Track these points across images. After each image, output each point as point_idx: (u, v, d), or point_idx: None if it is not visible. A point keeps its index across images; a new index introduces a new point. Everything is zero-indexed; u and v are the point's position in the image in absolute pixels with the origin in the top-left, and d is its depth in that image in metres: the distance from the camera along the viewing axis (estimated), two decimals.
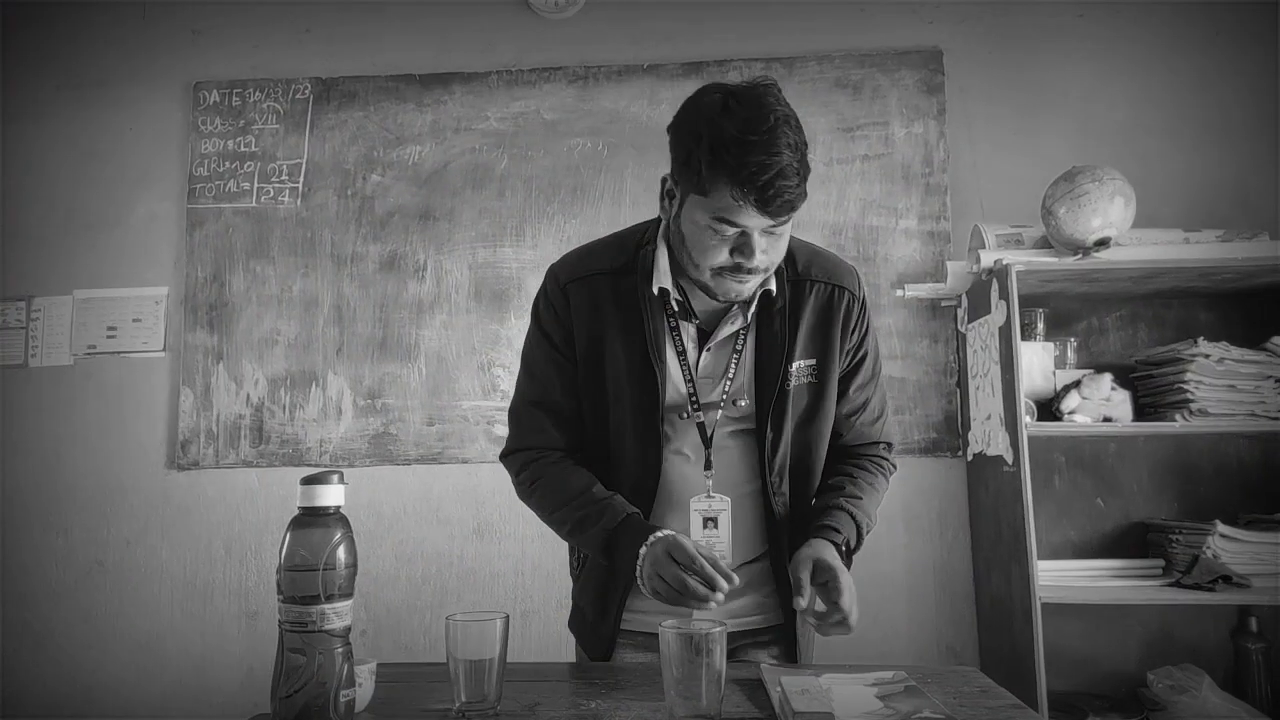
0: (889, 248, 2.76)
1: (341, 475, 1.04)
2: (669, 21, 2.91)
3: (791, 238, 1.38)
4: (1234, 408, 2.29)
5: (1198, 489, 2.60)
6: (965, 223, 2.71)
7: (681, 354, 1.38)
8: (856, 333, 1.44)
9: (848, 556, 1.37)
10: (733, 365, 1.38)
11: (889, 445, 1.54)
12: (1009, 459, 2.31)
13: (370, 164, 2.91)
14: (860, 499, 1.42)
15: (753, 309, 1.37)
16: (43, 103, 3.03)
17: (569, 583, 1.65)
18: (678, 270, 1.37)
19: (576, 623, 1.53)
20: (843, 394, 1.46)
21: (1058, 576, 2.35)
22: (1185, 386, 2.29)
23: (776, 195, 1.19)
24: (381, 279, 2.86)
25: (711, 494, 1.37)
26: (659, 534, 1.27)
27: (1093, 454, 2.63)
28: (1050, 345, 2.48)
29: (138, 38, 3.04)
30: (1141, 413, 2.43)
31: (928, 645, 2.65)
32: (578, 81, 2.89)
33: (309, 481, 1.02)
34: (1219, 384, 2.29)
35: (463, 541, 2.77)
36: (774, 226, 1.25)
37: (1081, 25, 2.83)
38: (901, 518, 2.69)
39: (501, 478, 1.52)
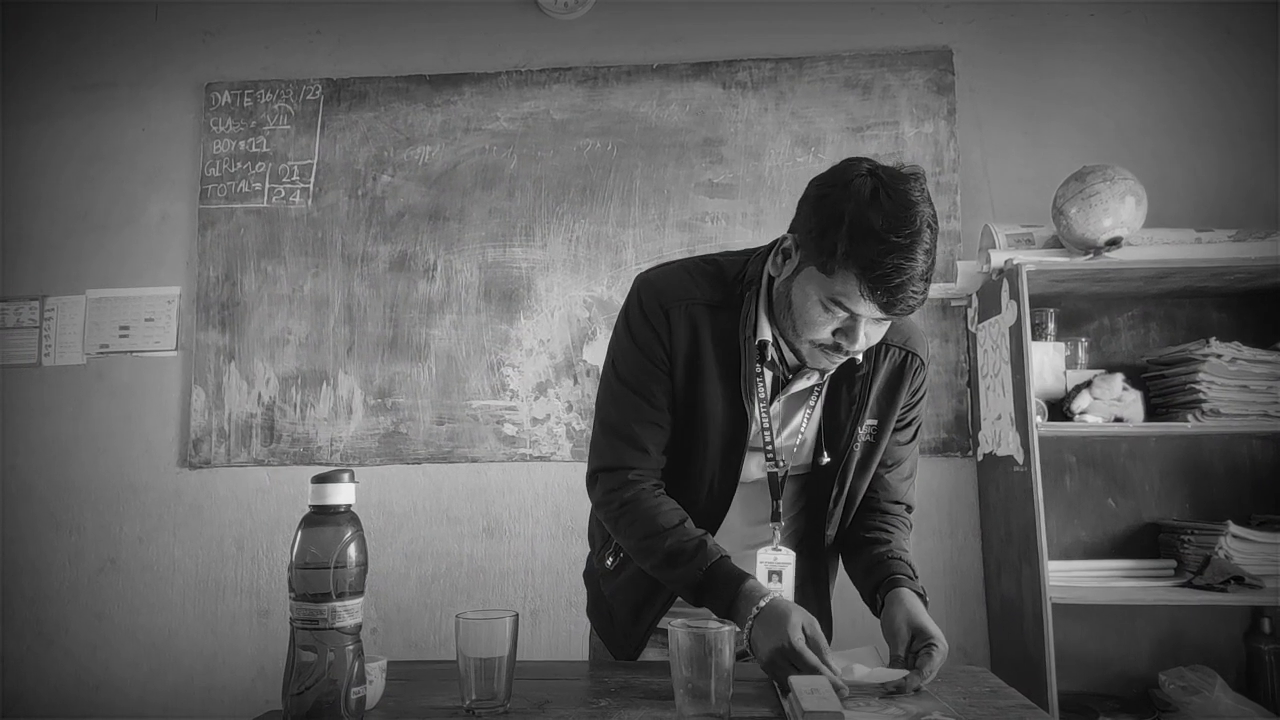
0: None
1: (352, 474, 1.05)
2: (678, 22, 2.91)
3: None
4: (1246, 408, 2.28)
5: (1210, 490, 2.59)
6: (976, 222, 2.71)
7: (762, 400, 1.36)
8: (914, 397, 1.45)
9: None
10: (805, 420, 1.39)
11: (910, 508, 1.53)
12: (1020, 459, 2.30)
13: (380, 164, 2.92)
14: (907, 552, 1.45)
15: (831, 370, 1.37)
16: (55, 104, 3.05)
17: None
18: (772, 320, 1.36)
19: (600, 619, 1.54)
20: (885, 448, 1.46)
21: (1069, 577, 2.35)
22: (1197, 387, 2.28)
23: (902, 300, 1.18)
24: (392, 279, 2.87)
25: (778, 547, 1.37)
26: (764, 601, 1.23)
27: (1104, 454, 2.62)
28: (1061, 345, 2.47)
29: (150, 39, 3.06)
30: (1153, 413, 2.42)
31: None
32: (587, 82, 2.89)
33: (320, 480, 1.02)
34: (1231, 384, 2.28)
35: (472, 540, 2.77)
36: (883, 319, 1.24)
37: (1092, 25, 2.81)
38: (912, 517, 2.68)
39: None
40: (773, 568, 1.36)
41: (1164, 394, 2.44)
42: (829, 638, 1.45)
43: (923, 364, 1.44)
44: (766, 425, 1.36)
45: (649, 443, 1.37)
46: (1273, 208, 2.67)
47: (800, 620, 1.20)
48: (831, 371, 1.35)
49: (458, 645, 1.12)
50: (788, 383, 1.37)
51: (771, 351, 1.35)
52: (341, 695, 0.99)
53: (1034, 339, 2.37)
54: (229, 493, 2.84)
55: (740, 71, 2.85)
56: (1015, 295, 2.31)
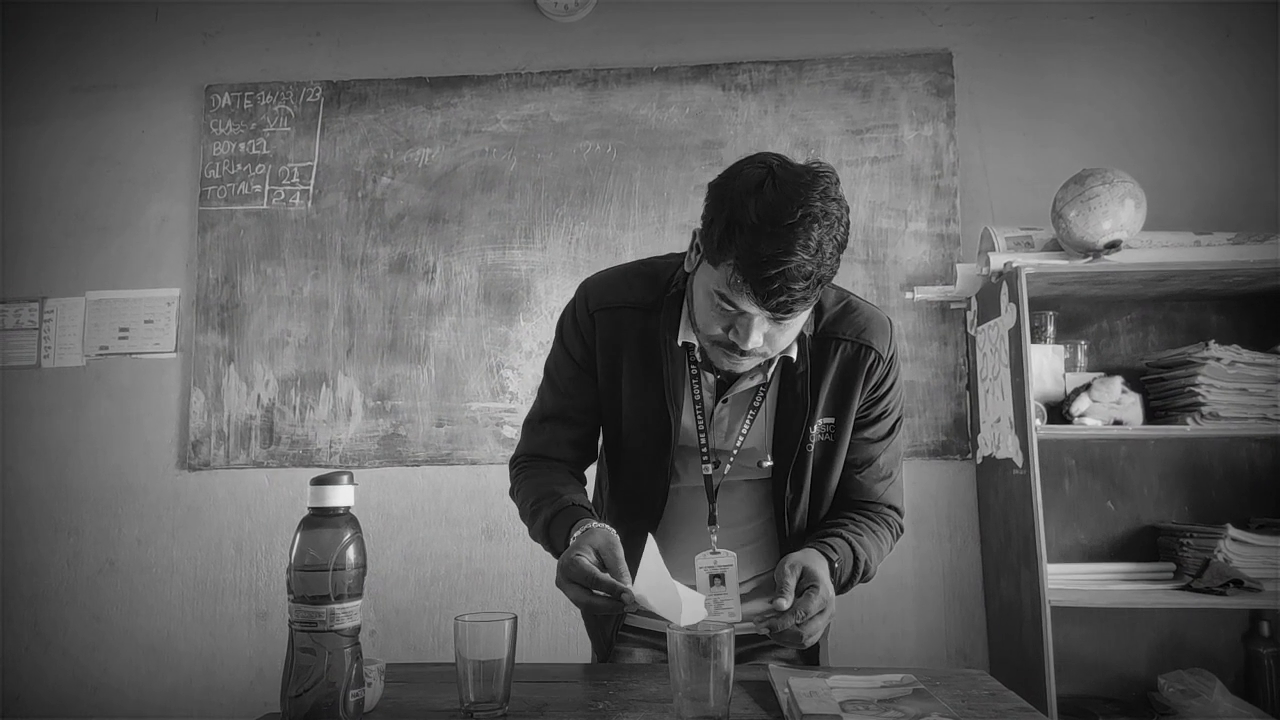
0: (898, 250, 2.75)
1: (351, 476, 1.05)
2: (678, 24, 2.91)
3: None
4: (1245, 411, 2.28)
5: (1209, 492, 2.59)
6: (975, 225, 2.71)
7: (698, 403, 1.35)
8: (877, 391, 1.38)
9: (835, 580, 1.30)
10: (747, 422, 1.36)
11: (897, 510, 1.46)
12: (1019, 462, 2.30)
13: (380, 166, 2.92)
14: (860, 536, 1.36)
15: (774, 368, 1.34)
16: (56, 105, 3.05)
17: None
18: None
19: (587, 620, 1.55)
20: (851, 447, 1.40)
21: (1067, 580, 2.34)
22: (1196, 390, 2.28)
23: (778, 294, 1.12)
24: (391, 281, 2.87)
25: (717, 550, 1.34)
26: (580, 530, 1.25)
27: (1103, 457, 2.62)
28: (1060, 348, 2.47)
29: (150, 41, 3.06)
30: (1152, 416, 2.42)
31: (936, 648, 2.64)
32: (587, 84, 2.90)
33: (319, 482, 1.02)
34: (1230, 387, 2.28)
35: (471, 542, 2.77)
36: (778, 318, 1.18)
37: (1091, 27, 2.82)
38: (910, 520, 2.66)
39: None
40: (713, 571, 1.33)
41: (1163, 397, 2.44)
42: (820, 648, 1.44)
43: (880, 358, 1.36)
44: (702, 428, 1.35)
45: (563, 439, 1.43)
46: (1273, 210, 2.67)
47: (600, 543, 1.20)
48: (737, 372, 1.28)
49: (456, 648, 1.12)
50: (732, 384, 1.34)
51: (697, 350, 1.32)
52: (340, 697, 0.99)
53: (1033, 342, 2.37)
54: (228, 495, 2.84)
55: (740, 74, 2.86)
56: (1014, 298, 2.31)
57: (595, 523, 1.27)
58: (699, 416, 1.35)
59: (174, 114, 3.02)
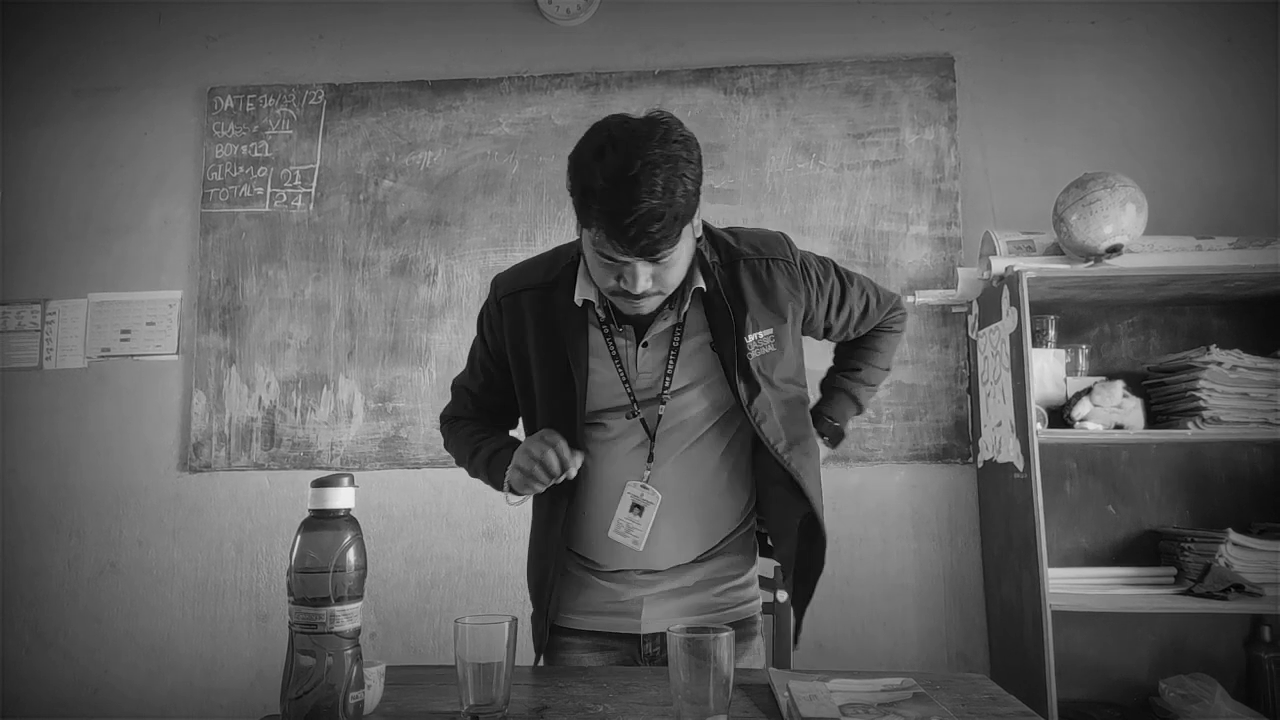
0: (900, 253, 2.75)
1: (352, 478, 1.05)
2: (680, 28, 2.92)
3: (711, 227, 1.48)
4: (1247, 415, 2.28)
5: (1210, 497, 2.58)
6: (976, 229, 2.71)
7: (616, 357, 1.43)
8: (816, 287, 1.51)
9: (836, 433, 1.67)
10: (671, 360, 1.43)
11: (895, 304, 1.69)
12: (1020, 466, 2.30)
13: (382, 169, 2.93)
14: (858, 369, 1.69)
15: (686, 306, 1.42)
16: (59, 108, 3.06)
17: None
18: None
19: (532, 619, 1.57)
20: (828, 327, 1.60)
21: (1069, 584, 2.34)
22: (1198, 394, 2.28)
23: (639, 238, 1.22)
24: (393, 283, 2.88)
25: (647, 485, 1.43)
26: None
27: (1104, 461, 2.62)
28: (1062, 352, 2.47)
29: (153, 44, 3.07)
30: (1153, 420, 2.42)
31: (937, 652, 2.64)
32: (589, 88, 2.90)
33: (319, 484, 1.02)
34: (1232, 392, 2.28)
35: (472, 545, 2.77)
36: (655, 259, 1.27)
37: (1093, 32, 2.82)
38: (912, 524, 2.68)
39: None
40: (637, 501, 1.43)
41: (1164, 401, 2.44)
42: (816, 569, 1.50)
43: (789, 261, 1.48)
44: (625, 377, 1.43)
45: (472, 406, 1.61)
46: (1274, 215, 2.67)
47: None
48: (644, 313, 1.37)
49: (456, 650, 1.12)
50: (648, 328, 1.42)
51: (598, 305, 1.42)
52: (340, 700, 0.99)
53: (1034, 346, 2.37)
54: (229, 496, 2.85)
55: (742, 78, 2.86)
56: (1016, 302, 2.32)
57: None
58: (619, 369, 1.43)
59: (176, 116, 3.03)
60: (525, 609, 2.67)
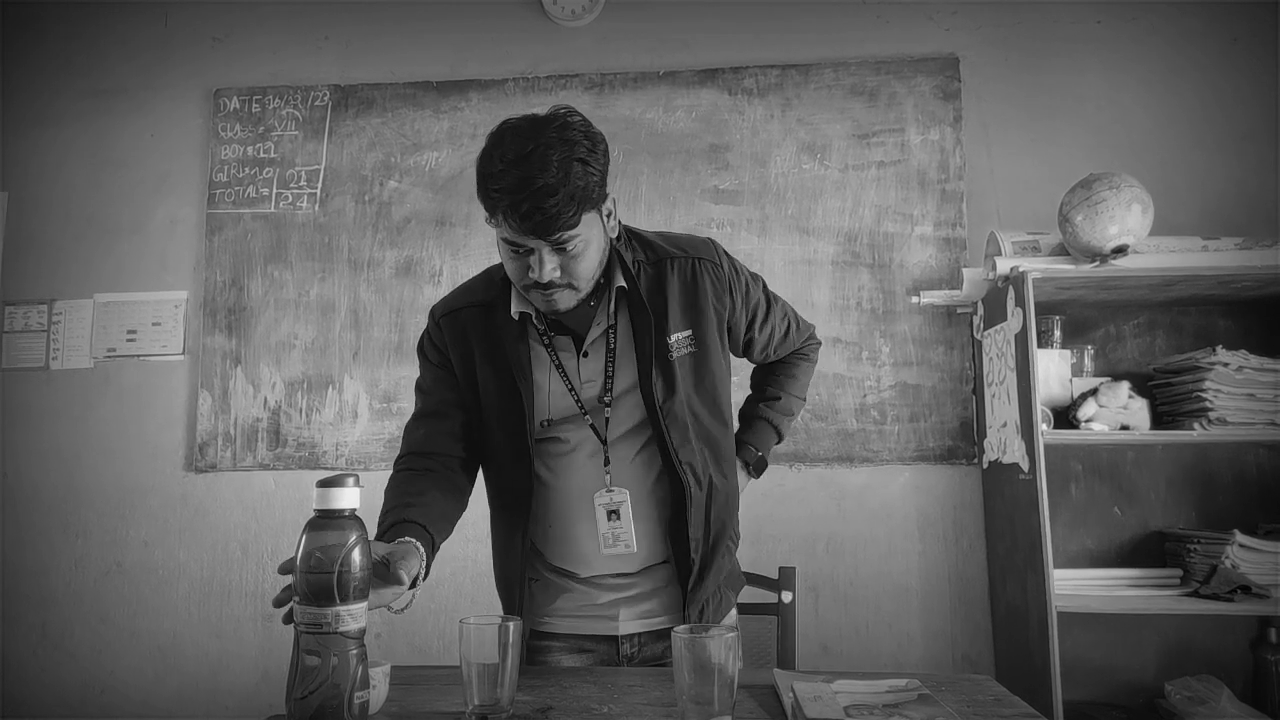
0: (904, 254, 2.75)
1: (357, 478, 1.05)
2: (685, 29, 2.92)
3: (636, 230, 1.50)
4: (1253, 416, 2.27)
5: (1216, 498, 2.58)
6: (981, 229, 2.71)
7: (559, 367, 1.43)
8: (738, 293, 1.52)
9: (760, 462, 1.71)
10: (610, 364, 1.43)
11: (811, 334, 1.75)
12: (1025, 467, 2.30)
13: (387, 170, 2.93)
14: (778, 399, 1.72)
15: (613, 306, 1.43)
16: (65, 109, 3.07)
17: None
18: None
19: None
20: (749, 341, 1.60)
21: (1074, 585, 2.34)
22: (1204, 395, 2.27)
23: (532, 215, 1.23)
24: (398, 284, 2.88)
25: (611, 488, 1.42)
26: (396, 540, 1.27)
27: (1110, 462, 2.61)
28: (1067, 353, 2.47)
29: (159, 45, 3.08)
30: (1159, 421, 2.41)
31: (942, 653, 2.63)
32: (594, 88, 2.90)
33: (324, 484, 1.02)
34: (1238, 392, 2.27)
35: (477, 544, 2.75)
36: (558, 244, 1.28)
37: (1098, 32, 2.82)
38: (917, 525, 2.68)
39: None
40: (609, 507, 1.42)
41: (1170, 402, 2.43)
42: (700, 552, 1.45)
43: (716, 264, 1.48)
44: (570, 386, 1.43)
45: (438, 432, 1.49)
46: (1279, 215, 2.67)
47: (391, 550, 1.22)
48: (559, 309, 1.36)
49: (461, 650, 1.12)
50: (582, 342, 1.43)
51: (534, 316, 1.43)
52: (345, 700, 0.99)
53: (1040, 346, 2.36)
54: (234, 497, 2.85)
55: (747, 78, 2.86)
56: (1021, 302, 2.31)
57: (412, 535, 1.28)
58: (564, 378, 1.44)
59: (182, 118, 3.04)
60: None
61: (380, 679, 1.15)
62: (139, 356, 2.94)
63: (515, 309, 1.43)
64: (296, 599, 1.01)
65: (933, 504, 2.68)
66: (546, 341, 1.44)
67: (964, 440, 2.68)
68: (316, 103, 2.98)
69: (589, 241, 1.32)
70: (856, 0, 2.89)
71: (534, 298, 1.36)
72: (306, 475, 2.82)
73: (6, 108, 3.08)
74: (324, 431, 2.84)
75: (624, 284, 1.42)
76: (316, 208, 2.94)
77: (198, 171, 3.00)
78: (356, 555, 1.01)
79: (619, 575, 1.47)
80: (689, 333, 1.45)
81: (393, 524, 1.32)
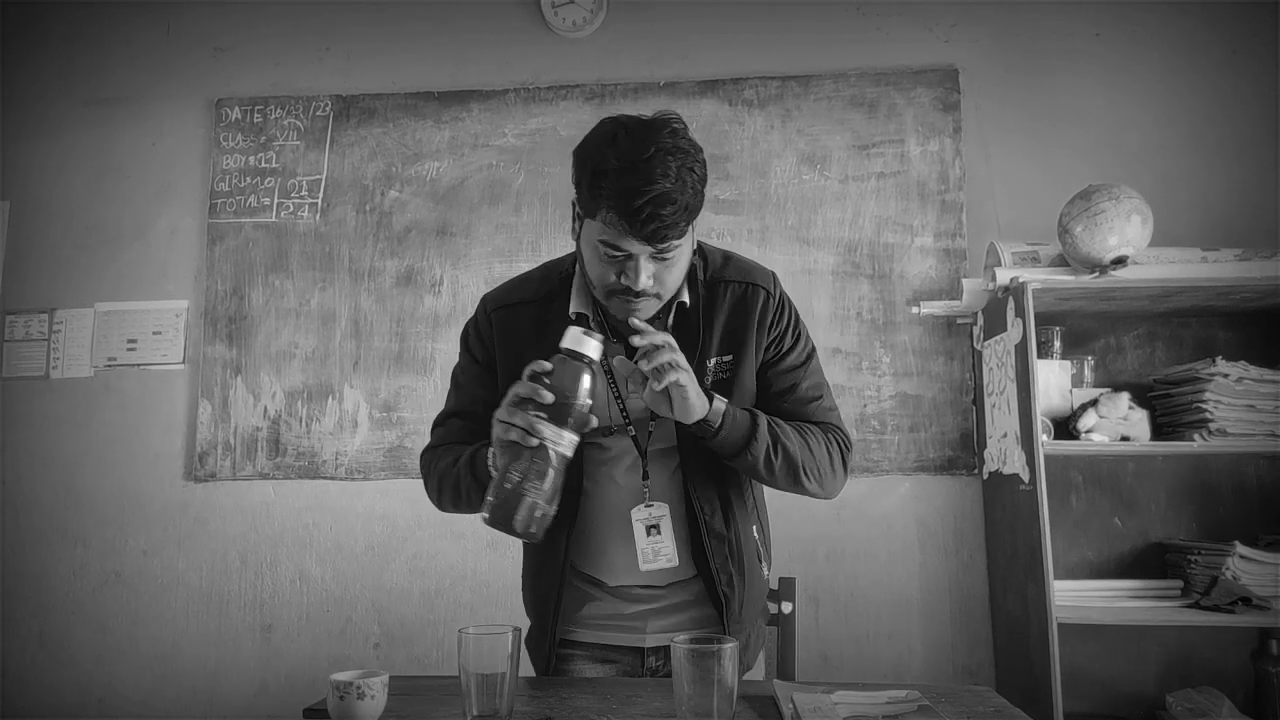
0: (904, 265, 2.76)
1: (602, 339, 1.19)
2: (685, 40, 2.93)
3: (706, 244, 1.48)
4: (1253, 428, 2.27)
5: (1216, 509, 2.57)
6: (981, 240, 2.71)
7: (609, 371, 1.41)
8: (776, 328, 1.46)
9: (731, 417, 1.34)
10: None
11: (837, 428, 1.48)
12: (1025, 477, 2.29)
13: (388, 180, 2.94)
14: (782, 422, 1.40)
15: (670, 319, 1.41)
16: (68, 119, 3.08)
17: None
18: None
19: (530, 636, 1.54)
20: (770, 382, 1.46)
21: (1075, 596, 2.33)
22: (1204, 406, 2.27)
23: (650, 220, 1.22)
24: (398, 293, 2.88)
25: (650, 502, 1.41)
26: None
27: (1110, 473, 2.61)
28: (1067, 363, 2.47)
29: (161, 55, 3.09)
30: (1159, 432, 2.41)
31: (942, 665, 2.63)
32: (595, 99, 2.91)
33: (575, 328, 1.18)
34: (1238, 404, 2.27)
35: (476, 555, 2.77)
36: (660, 253, 1.27)
37: (1098, 44, 2.83)
38: (916, 536, 2.68)
39: None
40: (648, 523, 1.40)
41: (1170, 413, 2.43)
42: (736, 591, 1.44)
43: (769, 294, 1.45)
44: (617, 394, 1.41)
45: (466, 431, 1.47)
46: (1279, 226, 2.67)
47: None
48: (640, 318, 1.32)
49: (460, 660, 1.12)
50: (635, 350, 1.39)
51: (593, 318, 1.41)
52: (524, 505, 1.14)
53: (1040, 357, 2.36)
54: (234, 506, 2.85)
55: (747, 89, 2.87)
56: (1021, 313, 2.31)
57: None
58: (611, 385, 1.42)
59: (184, 127, 3.04)
60: (528, 620, 2.66)
61: (379, 689, 1.15)
62: (139, 365, 2.94)
63: (574, 308, 1.41)
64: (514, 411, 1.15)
65: (933, 514, 2.68)
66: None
67: (964, 451, 2.67)
68: (318, 112, 2.99)
69: (684, 252, 1.32)
70: (856, 12, 2.90)
71: (614, 304, 1.33)
72: (306, 485, 2.82)
73: (8, 116, 3.09)
74: (324, 441, 2.83)
75: (686, 299, 1.41)
76: (317, 217, 2.94)
77: (199, 181, 3.01)
78: (586, 394, 1.16)
79: (647, 587, 1.45)
80: (729, 358, 1.42)
81: (484, 443, 1.32)
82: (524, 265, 2.83)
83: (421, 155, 2.94)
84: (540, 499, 1.15)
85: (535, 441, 1.15)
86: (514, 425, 1.16)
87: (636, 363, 1.27)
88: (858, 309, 2.75)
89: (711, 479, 1.44)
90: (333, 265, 2.92)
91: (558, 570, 1.44)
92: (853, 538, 2.67)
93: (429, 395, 2.82)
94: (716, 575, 1.41)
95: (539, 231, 2.87)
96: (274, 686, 2.76)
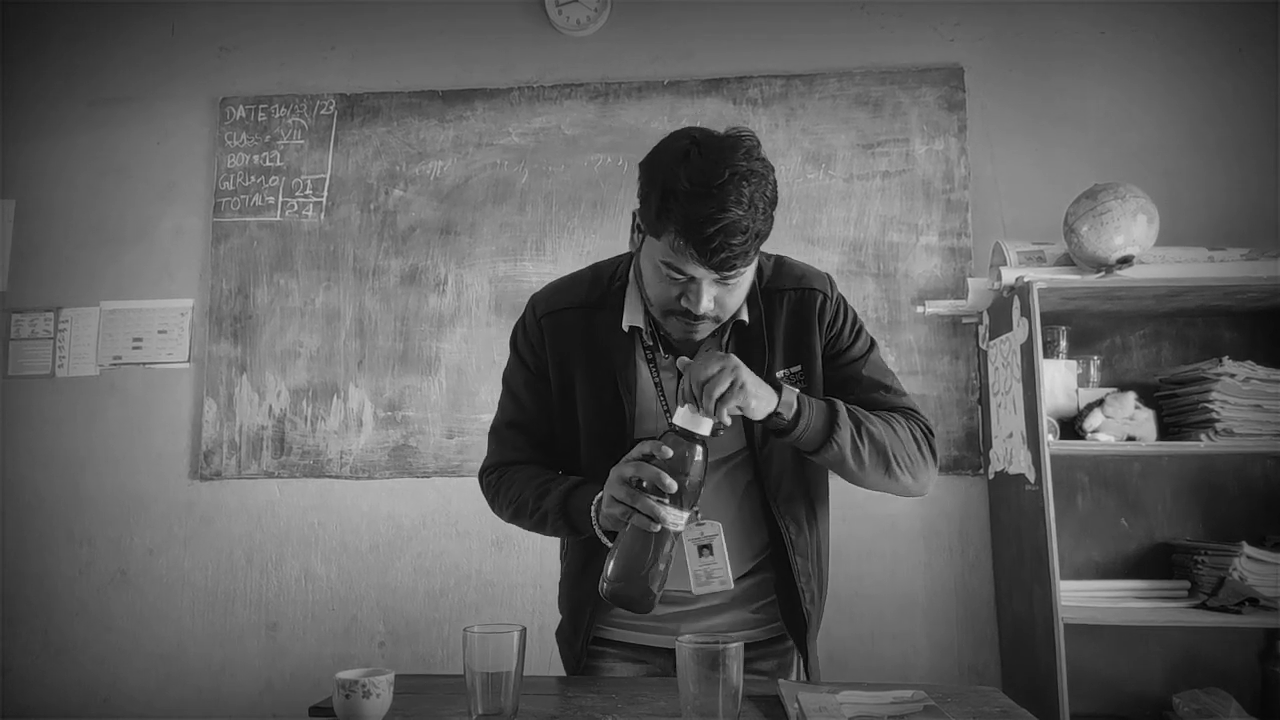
0: (910, 264, 2.75)
1: (717, 423, 1.18)
2: (689, 38, 2.92)
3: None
4: (1260, 428, 2.26)
5: (1223, 510, 2.57)
6: (986, 239, 2.70)
7: (659, 385, 1.38)
8: (834, 327, 1.42)
9: (806, 408, 1.27)
10: None
11: (916, 413, 1.42)
12: (1031, 477, 2.29)
13: (393, 179, 2.94)
14: (862, 410, 1.34)
15: (727, 335, 1.38)
16: (73, 118, 3.08)
17: None
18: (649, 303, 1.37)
19: (561, 632, 1.53)
20: (834, 378, 1.42)
21: (1081, 597, 2.33)
22: (1210, 406, 2.26)
23: (719, 250, 1.18)
24: (403, 292, 2.88)
25: (701, 521, 1.35)
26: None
27: (1116, 473, 2.60)
28: (1073, 363, 2.46)
29: (166, 54, 3.09)
30: (1166, 432, 2.41)
31: (948, 665, 2.62)
32: (598, 98, 2.91)
33: (687, 408, 1.17)
34: (1244, 403, 2.26)
35: (481, 554, 2.77)
36: (724, 278, 1.23)
37: (1103, 43, 2.82)
38: (922, 536, 2.67)
39: None
40: (700, 542, 1.35)
41: (1177, 413, 2.42)
42: (816, 605, 1.45)
43: (826, 297, 1.42)
44: (667, 409, 1.37)
45: (527, 443, 1.47)
46: None
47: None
48: (695, 339, 1.31)
49: (465, 659, 1.12)
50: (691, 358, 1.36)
51: (647, 331, 1.38)
52: (640, 580, 1.16)
53: (1045, 357, 2.36)
54: (239, 505, 2.85)
55: (751, 88, 2.86)
56: (1026, 313, 2.31)
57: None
58: (661, 399, 1.38)
59: (189, 126, 3.05)
60: (534, 618, 2.67)
61: (384, 688, 1.14)
62: (145, 364, 2.95)
63: (628, 320, 1.38)
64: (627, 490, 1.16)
65: (938, 515, 2.67)
66: (650, 357, 1.39)
67: (970, 451, 2.67)
68: (322, 112, 2.99)
69: (748, 276, 1.29)
70: (860, 11, 2.89)
71: (671, 323, 1.30)
72: (311, 484, 2.83)
73: (12, 115, 3.10)
74: (329, 440, 2.84)
75: (746, 318, 1.37)
76: (322, 216, 2.94)
77: (203, 180, 3.01)
78: (698, 472, 1.17)
79: (683, 592, 1.39)
80: (798, 368, 1.39)
81: (577, 483, 1.34)
82: (528, 264, 2.85)
83: (426, 154, 2.94)
84: (661, 577, 1.18)
85: (658, 527, 1.15)
86: (636, 510, 1.15)
87: (695, 400, 1.19)
88: (862, 308, 2.75)
89: (796, 487, 1.41)
90: (337, 264, 2.92)
91: (595, 583, 1.41)
92: (857, 538, 2.66)
93: (433, 395, 2.82)
94: (801, 593, 1.39)
95: (543, 230, 2.87)
96: (279, 685, 2.76)
